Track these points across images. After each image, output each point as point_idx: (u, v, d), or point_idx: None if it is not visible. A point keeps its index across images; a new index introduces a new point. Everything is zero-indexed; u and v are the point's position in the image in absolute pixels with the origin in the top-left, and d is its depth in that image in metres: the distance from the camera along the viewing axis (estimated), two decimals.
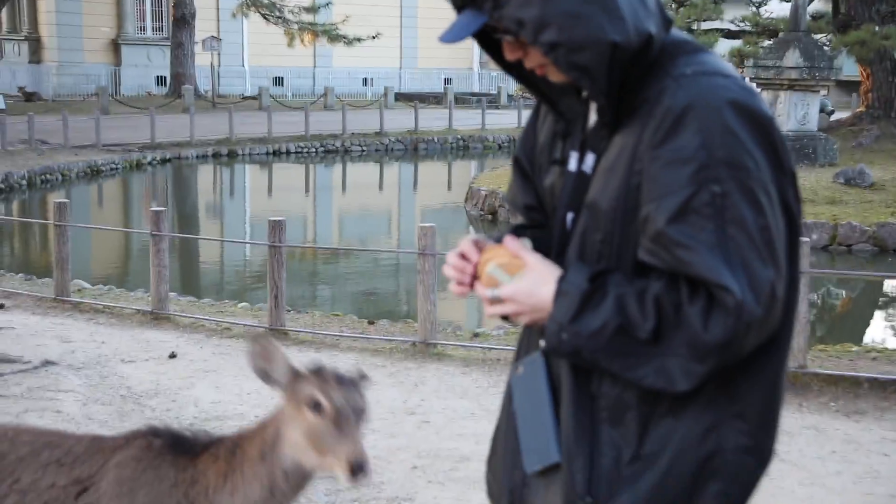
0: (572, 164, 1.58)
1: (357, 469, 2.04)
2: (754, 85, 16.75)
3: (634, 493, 1.47)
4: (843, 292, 11.30)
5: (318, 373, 2.17)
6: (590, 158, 1.54)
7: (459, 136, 26.86)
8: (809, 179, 14.13)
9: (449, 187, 22.11)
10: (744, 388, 1.46)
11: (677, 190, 1.39)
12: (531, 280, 1.49)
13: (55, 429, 3.05)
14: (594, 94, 1.47)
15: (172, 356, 6.49)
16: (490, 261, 1.51)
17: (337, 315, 8.15)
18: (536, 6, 1.43)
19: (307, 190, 21.42)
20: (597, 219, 1.49)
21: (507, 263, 1.49)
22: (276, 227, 7.04)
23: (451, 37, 1.53)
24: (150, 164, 22.06)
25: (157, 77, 36.27)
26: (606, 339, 1.41)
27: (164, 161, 22.47)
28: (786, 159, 1.45)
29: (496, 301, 1.51)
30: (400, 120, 27.68)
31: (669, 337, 1.38)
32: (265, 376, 2.19)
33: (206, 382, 5.97)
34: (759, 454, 1.48)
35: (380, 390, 5.94)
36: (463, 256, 1.60)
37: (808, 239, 6.35)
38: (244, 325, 7.37)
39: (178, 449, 2.37)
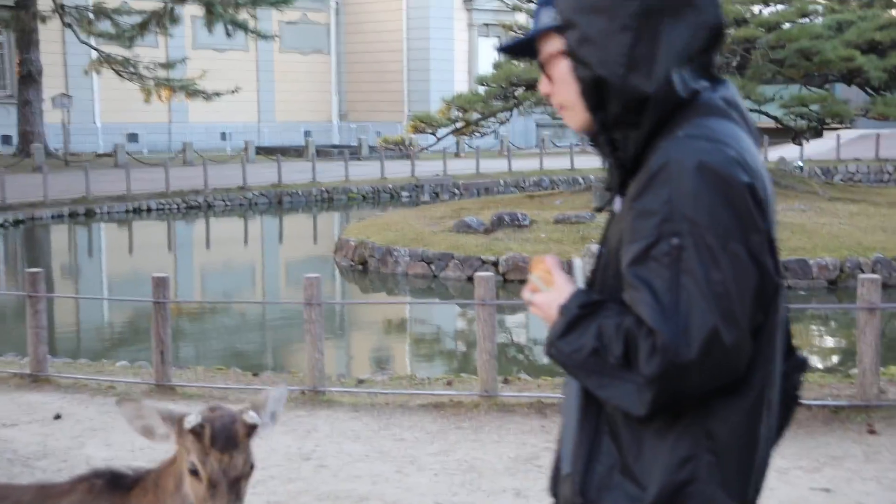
0: (615, 206, 1.79)
1: None
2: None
3: (615, 502, 1.65)
4: None
5: (196, 433, 2.17)
6: (618, 202, 1.76)
7: (323, 189, 26.99)
8: None
9: (315, 239, 22.20)
10: (716, 426, 1.61)
11: (641, 238, 1.58)
12: (551, 295, 1.73)
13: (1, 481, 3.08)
14: (597, 125, 1.70)
15: (57, 417, 6.39)
16: (535, 271, 1.78)
17: (221, 369, 8.17)
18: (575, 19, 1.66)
19: (171, 247, 21.09)
20: (609, 256, 1.72)
21: (544, 277, 1.76)
22: (160, 284, 7.06)
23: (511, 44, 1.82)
24: (1, 225, 21.27)
25: (2, 136, 35.01)
26: (583, 358, 1.63)
27: (16, 222, 21.71)
28: (756, 220, 1.58)
29: (530, 303, 1.77)
30: (262, 174, 27.61)
31: (633, 365, 1.57)
32: (149, 433, 2.26)
33: (97, 441, 5.93)
34: (730, 490, 1.61)
35: (273, 438, 6.04)
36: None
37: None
38: (128, 382, 7.31)
39: (115, 487, 2.49)
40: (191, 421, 2.16)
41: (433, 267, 14.48)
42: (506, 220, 15.60)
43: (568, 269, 1.78)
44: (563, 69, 1.71)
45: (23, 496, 2.57)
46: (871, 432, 5.80)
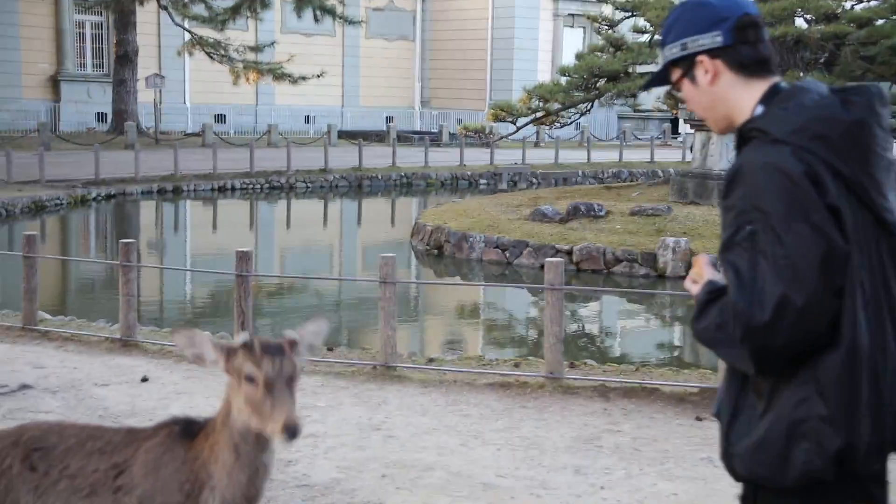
0: None
1: (290, 431, 2.43)
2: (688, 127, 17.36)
3: (749, 439, 2.00)
4: None
5: (248, 346, 2.52)
6: None
7: (403, 174, 27.36)
8: None
9: (393, 223, 22.56)
10: (820, 373, 1.92)
11: (726, 229, 1.96)
12: (697, 286, 2.10)
13: (95, 423, 3.40)
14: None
15: (144, 380, 6.78)
16: (694, 268, 2.16)
17: None
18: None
19: (253, 225, 21.68)
20: None
21: (698, 272, 2.14)
22: (244, 258, 7.39)
23: (647, 86, 2.33)
24: (94, 199, 22.11)
25: (98, 114, 36.21)
26: (711, 334, 1.98)
27: (108, 197, 22.53)
28: (815, 201, 1.86)
29: (689, 290, 2.14)
30: (344, 157, 28.09)
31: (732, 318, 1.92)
32: (201, 361, 2.58)
33: (180, 404, 6.28)
34: (835, 426, 1.90)
35: (346, 409, 6.33)
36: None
37: None
38: None
39: (188, 432, 2.78)
40: (243, 337, 2.54)
41: (507, 254, 14.66)
42: (582, 210, 15.69)
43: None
44: (687, 91, 2.14)
45: (114, 437, 2.86)
46: None
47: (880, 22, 18.56)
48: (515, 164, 28.52)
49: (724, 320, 1.92)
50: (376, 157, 28.26)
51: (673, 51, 2.11)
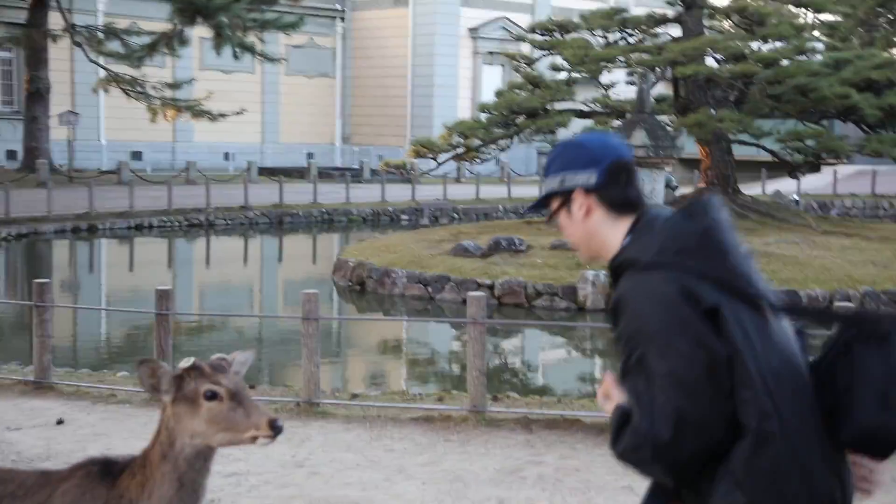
0: None
1: (276, 428, 2.53)
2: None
3: None
4: None
5: (198, 368, 2.58)
6: None
7: (324, 210, 27.27)
8: None
9: (315, 260, 22.45)
10: (733, 467, 2.02)
11: (620, 356, 2.11)
12: (612, 408, 2.17)
13: (7, 466, 3.31)
14: None
15: (60, 422, 6.61)
16: (605, 384, 2.23)
17: None
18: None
19: (172, 264, 21.34)
20: None
21: (607, 389, 2.21)
22: (164, 296, 7.30)
23: (530, 209, 2.54)
24: (5, 239, 21.51)
25: (8, 151, 35.35)
26: (629, 456, 2.07)
27: (19, 236, 21.95)
28: (691, 316, 2.00)
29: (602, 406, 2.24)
30: (264, 194, 27.88)
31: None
32: (154, 390, 2.62)
33: (98, 445, 6.14)
34: None
35: (269, 446, 6.25)
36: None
37: None
38: (129, 391, 7.52)
39: (107, 472, 2.76)
40: (188, 361, 2.59)
41: (430, 289, 14.71)
42: (503, 245, 15.85)
43: None
44: (563, 220, 2.29)
45: (26, 480, 2.81)
46: None
47: (785, 62, 19.31)
48: (437, 199, 28.69)
49: (637, 444, 2.03)
50: (297, 194, 28.12)
51: (552, 183, 2.28)
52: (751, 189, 24.98)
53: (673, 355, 1.98)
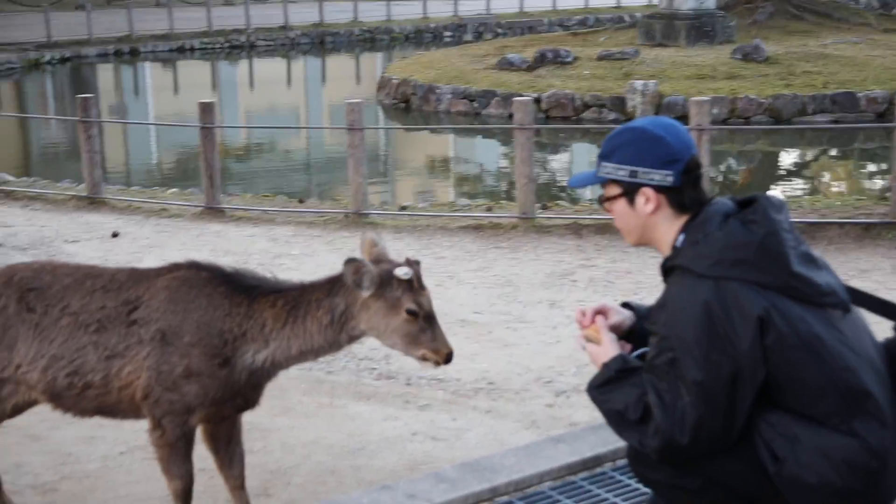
0: None
1: (450, 359, 2.62)
2: None
3: None
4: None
5: (408, 281, 2.57)
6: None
7: (365, 28, 26.70)
8: (709, 57, 14.71)
9: (358, 80, 22.15)
10: (710, 469, 2.15)
11: (651, 349, 2.14)
12: (599, 350, 2.26)
13: (88, 263, 3.33)
14: None
15: (115, 235, 6.72)
16: (592, 327, 2.30)
17: (268, 196, 8.43)
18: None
19: (216, 86, 21.20)
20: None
21: (593, 336, 2.28)
22: (207, 109, 7.23)
23: (574, 182, 2.39)
24: (48, 63, 21.46)
25: None
26: (609, 410, 2.19)
27: (63, 60, 21.88)
28: (732, 333, 2.03)
29: (584, 348, 2.32)
30: (303, 13, 27.29)
31: (644, 425, 2.12)
32: (357, 286, 2.59)
33: (153, 256, 6.25)
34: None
35: (320, 256, 6.33)
36: (583, 314, 2.35)
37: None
38: (179, 205, 7.60)
39: (232, 285, 2.72)
40: (406, 273, 2.57)
41: (475, 104, 14.48)
42: (549, 58, 15.44)
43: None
44: (620, 208, 2.22)
45: (117, 274, 2.81)
46: None
47: None
48: (480, 14, 27.88)
49: (626, 408, 2.13)
50: (337, 13, 27.49)
51: (620, 172, 2.20)
52: None
53: (707, 368, 2.03)
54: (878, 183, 10.64)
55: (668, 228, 2.19)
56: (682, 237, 2.17)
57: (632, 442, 2.18)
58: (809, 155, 12.85)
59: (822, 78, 13.45)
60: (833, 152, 12.78)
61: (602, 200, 2.29)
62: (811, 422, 2.07)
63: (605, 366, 2.20)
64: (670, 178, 2.16)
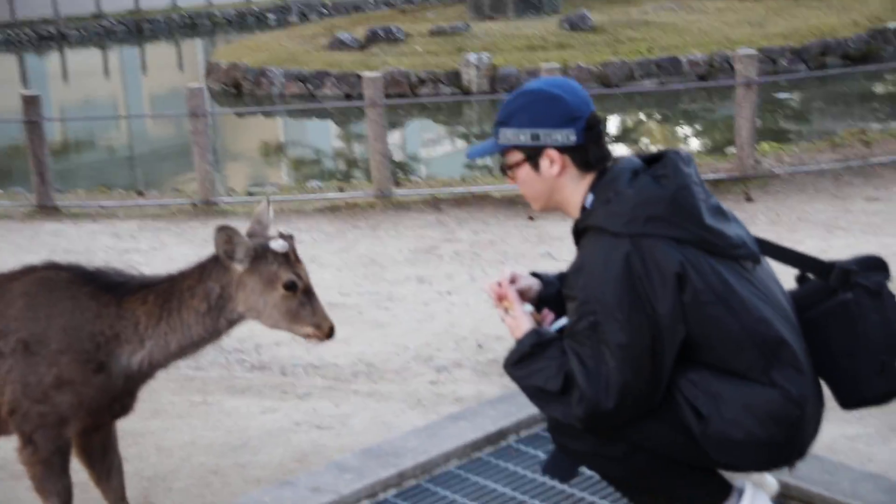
0: None
1: (332, 333, 2.49)
2: None
3: None
4: None
5: (284, 254, 2.43)
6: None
7: (185, 14, 25.75)
8: (538, 28, 14.94)
9: (182, 67, 21.35)
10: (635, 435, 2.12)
11: (570, 316, 2.08)
12: (514, 323, 2.20)
13: None
14: None
15: None
16: (507, 297, 2.23)
17: (104, 190, 7.96)
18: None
19: (26, 82, 19.93)
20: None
21: (507, 306, 2.23)
22: (32, 102, 6.73)
23: (473, 154, 2.37)
24: None
25: None
26: (529, 385, 2.13)
27: None
28: (651, 294, 1.99)
29: (502, 319, 2.25)
30: (118, 1, 26.06)
31: (567, 395, 2.07)
32: (228, 257, 2.44)
33: None
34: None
35: (171, 248, 6.02)
36: (500, 285, 2.26)
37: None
38: (7, 205, 7.07)
39: (97, 284, 2.51)
40: (281, 245, 2.44)
41: (309, 85, 14.19)
42: (381, 35, 15.30)
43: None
44: (524, 174, 2.16)
45: None
46: (748, 200, 6.16)
47: None
48: None
49: (546, 381, 2.07)
50: None
51: (521, 137, 2.14)
52: None
53: (631, 330, 1.98)
54: (712, 141, 11.11)
55: (575, 189, 2.15)
56: (590, 197, 2.12)
57: (556, 415, 2.12)
58: (643, 118, 13.28)
59: (646, 44, 13.89)
60: (661, 115, 13.25)
61: (505, 168, 2.22)
62: (732, 376, 2.05)
63: (520, 342, 2.15)
64: (573, 137, 2.11)
